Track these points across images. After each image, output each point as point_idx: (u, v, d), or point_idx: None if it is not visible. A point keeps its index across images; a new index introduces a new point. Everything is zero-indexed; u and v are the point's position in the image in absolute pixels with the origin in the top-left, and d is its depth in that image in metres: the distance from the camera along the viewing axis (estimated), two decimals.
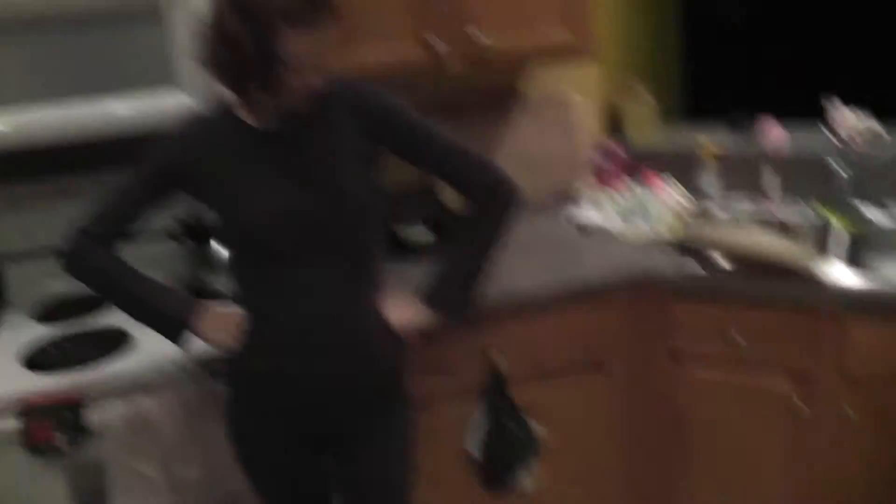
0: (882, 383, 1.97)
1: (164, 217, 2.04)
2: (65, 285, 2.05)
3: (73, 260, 1.61)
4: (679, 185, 2.48)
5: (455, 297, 1.71)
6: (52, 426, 1.69)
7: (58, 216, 1.77)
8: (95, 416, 1.74)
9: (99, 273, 1.61)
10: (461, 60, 2.15)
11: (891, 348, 1.94)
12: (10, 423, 1.70)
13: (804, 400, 2.05)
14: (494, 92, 2.58)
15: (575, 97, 2.67)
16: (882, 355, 1.95)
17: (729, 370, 2.12)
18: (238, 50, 1.39)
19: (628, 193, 2.44)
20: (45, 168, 2.08)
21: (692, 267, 2.12)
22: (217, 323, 1.63)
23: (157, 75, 1.87)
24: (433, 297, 1.70)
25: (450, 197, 2.33)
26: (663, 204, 2.35)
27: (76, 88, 1.83)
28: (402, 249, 2.27)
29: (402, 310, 1.68)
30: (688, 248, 2.18)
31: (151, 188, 1.59)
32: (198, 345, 1.68)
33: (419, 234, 2.32)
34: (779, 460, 2.13)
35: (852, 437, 2.02)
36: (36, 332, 2.00)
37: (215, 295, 2.01)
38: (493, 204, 1.68)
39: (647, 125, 2.69)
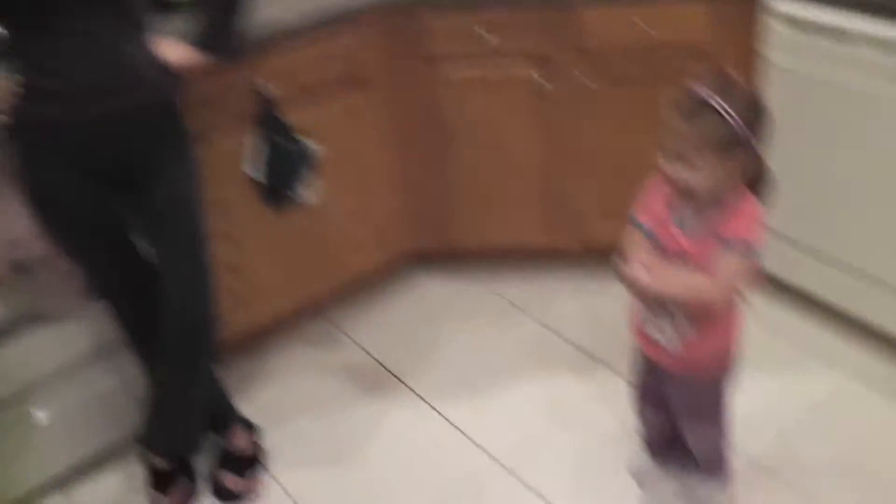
0: (615, 55, 2.44)
1: None
2: None
3: None
4: None
5: (222, 37, 1.92)
6: None
7: None
8: None
9: None
10: None
11: (618, 24, 2.38)
12: None
13: (546, 78, 2.48)
14: None
15: None
16: (612, 30, 2.39)
17: (479, 66, 2.50)
18: None
19: None
20: None
21: None
22: None
23: None
24: (202, 41, 1.91)
25: None
26: None
27: None
28: (166, 8, 2.33)
29: (173, 50, 1.88)
30: None
31: None
32: None
33: None
34: (530, 138, 2.60)
35: (592, 107, 2.51)
36: None
37: None
38: None
39: None
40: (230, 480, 2.18)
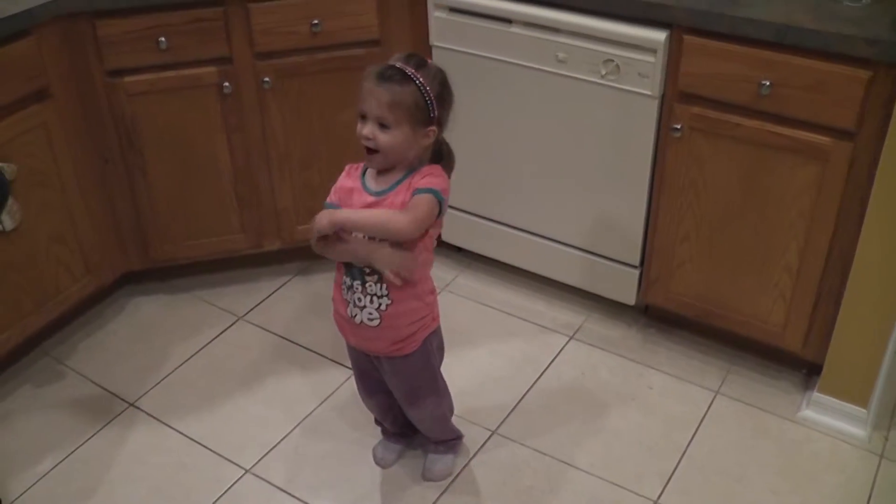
0: (283, 55, 2.66)
1: None
2: None
3: None
4: None
5: None
6: None
7: None
8: None
9: None
10: None
11: (282, 24, 2.60)
12: None
13: (227, 80, 2.66)
14: None
15: None
16: (278, 29, 2.61)
17: (161, 73, 2.60)
18: None
19: None
20: None
21: None
22: None
23: None
24: None
25: None
26: None
27: None
28: None
29: None
30: None
31: None
32: None
33: None
34: (219, 142, 2.74)
35: (273, 103, 2.72)
36: None
37: None
38: None
39: None
40: None
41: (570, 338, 2.81)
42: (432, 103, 1.81)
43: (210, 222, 2.88)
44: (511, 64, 2.57)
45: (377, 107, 1.77)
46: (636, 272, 2.69)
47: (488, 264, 3.05)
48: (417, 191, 1.84)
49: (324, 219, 1.82)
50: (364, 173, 1.93)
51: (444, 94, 1.85)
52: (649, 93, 2.37)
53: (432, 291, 2.04)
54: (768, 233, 2.37)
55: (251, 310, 2.96)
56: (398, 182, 1.87)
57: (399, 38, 2.70)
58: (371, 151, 1.82)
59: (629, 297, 2.75)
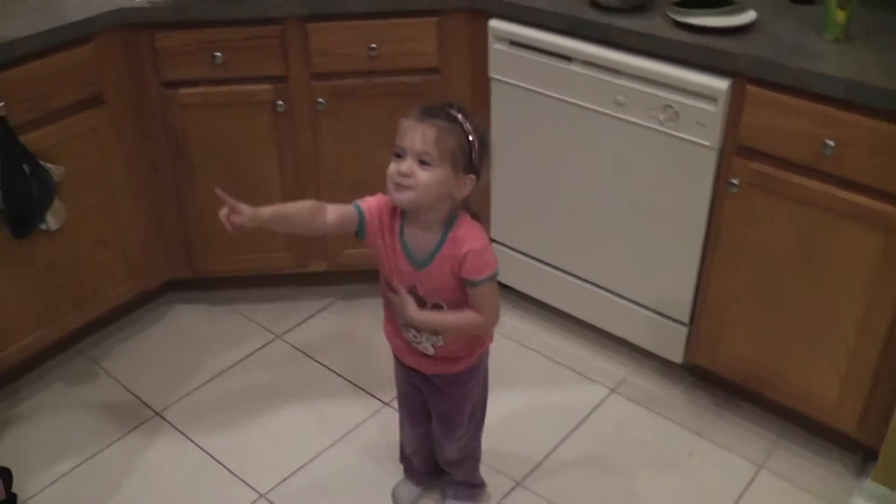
0: (339, 77, 2.65)
1: None
2: None
3: None
4: None
5: None
6: None
7: None
8: None
9: None
10: None
11: (340, 46, 2.59)
12: None
13: (281, 98, 2.66)
14: None
15: None
16: (335, 50, 2.60)
17: (216, 87, 2.63)
18: None
19: None
20: None
21: None
22: None
23: None
24: None
25: None
26: None
27: None
28: None
29: None
30: None
31: None
32: None
33: None
34: (269, 159, 2.76)
35: (327, 124, 2.71)
36: None
37: None
38: None
39: None
40: None
41: (612, 391, 2.70)
42: (476, 149, 1.73)
43: (256, 238, 2.84)
44: (569, 103, 2.50)
45: (420, 141, 1.67)
46: (685, 329, 2.57)
47: (537, 306, 2.97)
48: (476, 283, 1.79)
49: (409, 310, 1.82)
50: (403, 228, 1.84)
51: (484, 145, 1.76)
52: (707, 143, 2.27)
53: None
54: (824, 302, 2.23)
55: (289, 330, 2.95)
56: (437, 248, 1.80)
57: (458, 68, 2.66)
58: (403, 188, 1.70)
59: (676, 354, 2.63)
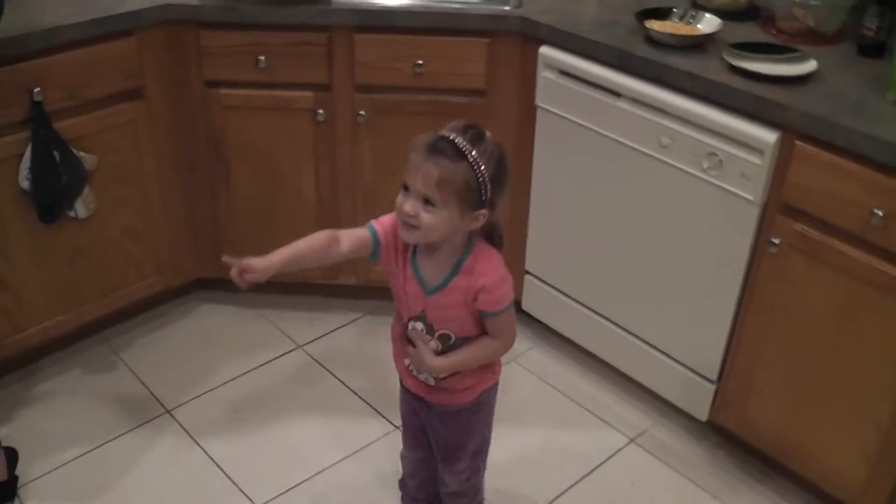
0: (382, 91, 2.60)
1: None
2: None
3: None
4: None
5: None
6: None
7: None
8: None
9: None
10: None
11: (386, 60, 2.54)
12: None
13: (323, 107, 2.62)
14: None
15: None
16: (381, 64, 2.54)
17: (257, 90, 2.60)
18: None
19: None
20: None
21: None
22: None
23: None
24: None
25: None
26: None
27: None
28: None
29: None
30: None
31: None
32: None
33: None
34: (306, 167, 2.72)
35: (364, 133, 2.67)
36: None
37: None
38: None
39: None
40: None
41: (631, 441, 2.59)
42: (486, 185, 1.62)
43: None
44: (613, 140, 2.40)
45: (423, 183, 1.58)
46: (712, 387, 2.45)
47: (565, 343, 2.87)
48: (495, 314, 1.73)
49: (428, 361, 1.78)
50: (415, 252, 1.77)
51: (499, 174, 1.65)
52: (751, 197, 2.15)
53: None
54: (859, 380, 2.09)
55: (312, 341, 2.91)
56: (449, 277, 1.72)
57: (505, 93, 2.59)
58: (410, 227, 1.64)
59: (701, 412, 2.51)
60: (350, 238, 1.78)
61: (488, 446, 2.07)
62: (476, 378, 1.87)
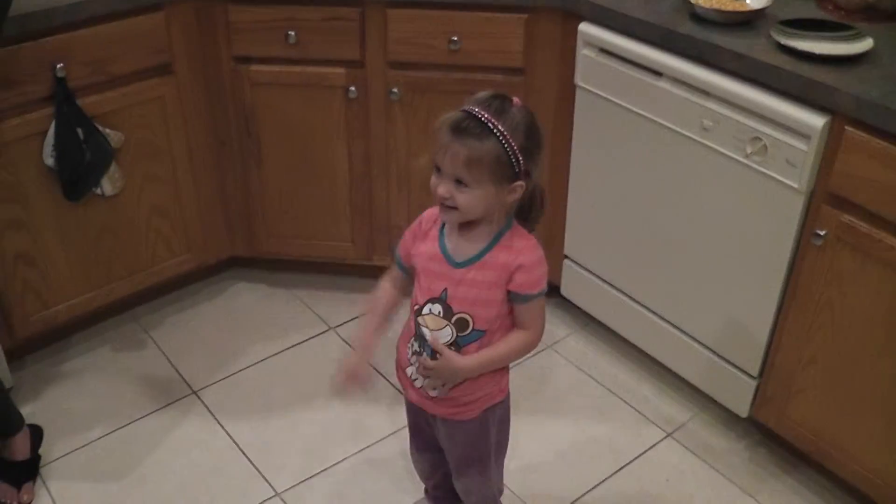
0: (416, 68, 2.51)
1: None
2: None
3: None
4: None
5: None
6: None
7: None
8: None
9: None
10: None
11: (420, 36, 2.44)
12: None
13: (355, 84, 2.54)
14: None
15: None
16: (415, 40, 2.45)
17: (288, 66, 2.53)
18: None
19: None
20: None
21: None
22: None
23: None
24: None
25: None
26: None
27: None
28: None
29: None
30: None
31: None
32: None
33: None
34: (339, 146, 2.65)
35: (397, 111, 2.58)
36: None
37: None
38: None
39: None
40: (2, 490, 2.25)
41: (668, 435, 2.49)
42: (517, 157, 1.54)
43: (320, 225, 2.79)
44: (653, 122, 2.28)
45: (451, 164, 1.53)
46: (753, 383, 2.33)
47: (604, 331, 2.77)
48: (529, 297, 1.66)
49: (455, 362, 1.70)
50: (442, 230, 1.71)
51: (530, 143, 1.57)
52: (796, 185, 2.02)
53: (505, 367, 1.82)
54: None
55: (345, 322, 2.86)
56: (485, 251, 1.65)
57: (544, 72, 2.48)
58: (448, 208, 1.59)
59: (742, 408, 2.39)
60: (393, 280, 1.83)
61: (503, 457, 1.98)
62: (481, 391, 1.78)
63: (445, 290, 1.68)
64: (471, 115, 1.53)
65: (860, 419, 2.08)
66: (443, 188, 1.57)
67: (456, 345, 1.71)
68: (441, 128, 1.55)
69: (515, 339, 1.71)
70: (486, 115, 1.52)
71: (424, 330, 1.72)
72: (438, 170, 1.58)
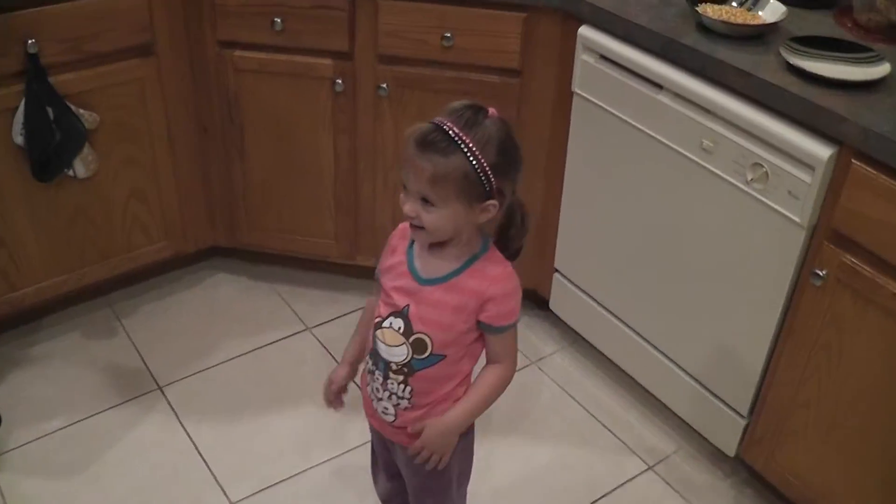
0: (407, 63, 2.37)
1: None
2: None
3: None
4: None
5: None
6: None
7: None
8: None
9: None
10: None
11: (412, 29, 2.30)
12: None
13: (342, 77, 2.41)
14: None
15: None
16: (406, 34, 2.31)
17: (273, 54, 2.40)
18: None
19: None
20: None
21: None
22: None
23: None
24: None
25: None
26: None
27: None
28: None
29: None
30: None
31: None
32: None
33: None
34: (324, 139, 2.52)
35: (386, 107, 2.45)
36: None
37: None
38: None
39: None
40: None
41: (650, 468, 2.35)
42: (486, 175, 1.41)
43: (303, 220, 2.67)
44: (652, 137, 2.13)
45: (417, 181, 1.41)
46: (743, 422, 2.18)
47: (592, 351, 2.63)
48: (502, 329, 1.55)
49: (446, 420, 1.62)
50: (412, 244, 1.59)
51: (503, 160, 1.43)
52: (797, 219, 1.86)
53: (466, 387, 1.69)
54: None
55: (323, 323, 2.74)
56: (454, 273, 1.53)
57: (541, 75, 2.33)
58: (416, 227, 1.48)
59: (729, 446, 2.24)
60: (378, 296, 1.68)
61: (465, 486, 1.85)
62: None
63: (408, 305, 1.56)
64: (438, 128, 1.40)
65: (853, 471, 1.93)
66: (408, 206, 1.45)
67: (409, 367, 1.58)
68: (407, 141, 1.43)
69: (492, 375, 1.61)
70: (454, 129, 1.39)
71: (380, 345, 1.60)
72: (405, 187, 1.46)
